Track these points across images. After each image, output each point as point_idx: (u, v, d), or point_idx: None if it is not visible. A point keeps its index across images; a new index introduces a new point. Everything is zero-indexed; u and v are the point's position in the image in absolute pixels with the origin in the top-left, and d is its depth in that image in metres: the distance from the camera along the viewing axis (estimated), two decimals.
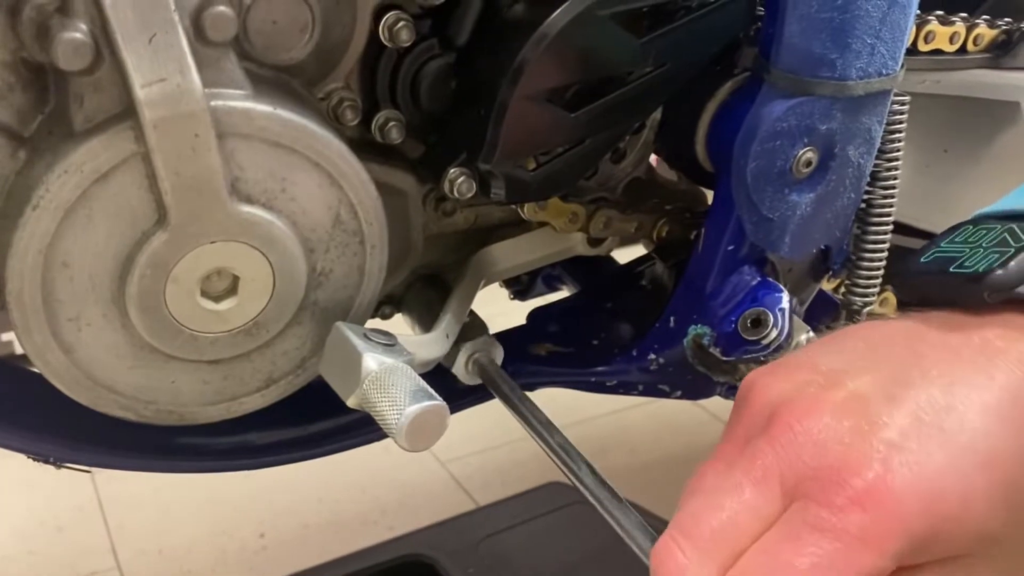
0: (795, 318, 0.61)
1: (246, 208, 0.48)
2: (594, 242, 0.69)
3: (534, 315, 0.74)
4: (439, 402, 0.48)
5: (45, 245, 0.45)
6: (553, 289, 0.82)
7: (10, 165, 0.46)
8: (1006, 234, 0.40)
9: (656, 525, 0.40)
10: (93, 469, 0.63)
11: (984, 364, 0.36)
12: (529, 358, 0.70)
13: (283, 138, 0.48)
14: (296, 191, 0.50)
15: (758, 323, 0.60)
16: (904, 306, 0.43)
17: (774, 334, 0.59)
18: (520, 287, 0.81)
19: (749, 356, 0.61)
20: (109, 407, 0.52)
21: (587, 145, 0.57)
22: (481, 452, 1.34)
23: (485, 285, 0.66)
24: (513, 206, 0.63)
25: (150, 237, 0.47)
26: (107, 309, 0.49)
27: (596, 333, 0.71)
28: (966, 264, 0.40)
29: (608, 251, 0.71)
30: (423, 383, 0.49)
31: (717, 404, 0.84)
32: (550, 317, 0.73)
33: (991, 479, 0.35)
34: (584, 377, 0.70)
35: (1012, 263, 0.38)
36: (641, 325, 0.68)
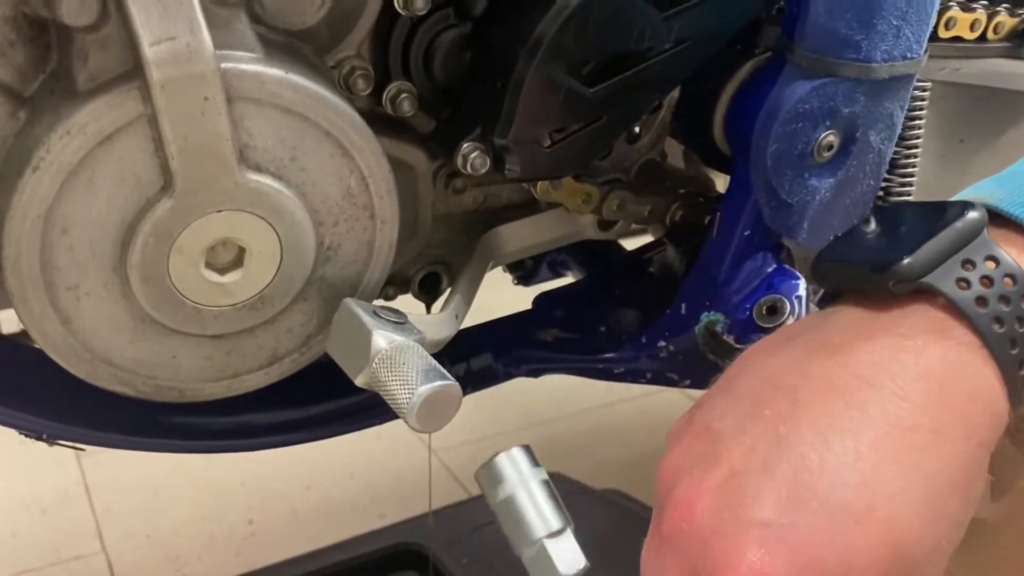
0: (811, 306, 0.59)
1: (254, 176, 0.47)
2: (604, 226, 0.67)
3: (540, 300, 0.72)
4: (452, 382, 0.46)
5: (45, 209, 0.44)
6: (558, 275, 0.80)
7: (10, 126, 0.45)
8: (925, 220, 0.39)
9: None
10: (83, 448, 0.61)
11: (858, 398, 0.36)
12: (535, 344, 0.69)
13: (295, 104, 0.46)
14: (306, 160, 0.48)
15: (774, 310, 0.59)
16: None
17: (791, 321, 0.58)
18: (524, 272, 0.79)
19: None
20: (107, 381, 0.50)
21: (604, 123, 0.55)
22: (473, 441, 1.33)
23: (493, 267, 0.65)
24: (525, 185, 0.61)
25: (154, 204, 0.45)
26: (108, 278, 0.47)
27: (603, 319, 0.69)
28: (878, 252, 0.39)
29: (617, 236, 0.70)
30: (435, 362, 0.47)
31: None
32: (556, 302, 0.72)
33: (869, 529, 0.35)
34: (591, 364, 0.68)
35: (920, 250, 0.37)
36: (649, 312, 0.67)
